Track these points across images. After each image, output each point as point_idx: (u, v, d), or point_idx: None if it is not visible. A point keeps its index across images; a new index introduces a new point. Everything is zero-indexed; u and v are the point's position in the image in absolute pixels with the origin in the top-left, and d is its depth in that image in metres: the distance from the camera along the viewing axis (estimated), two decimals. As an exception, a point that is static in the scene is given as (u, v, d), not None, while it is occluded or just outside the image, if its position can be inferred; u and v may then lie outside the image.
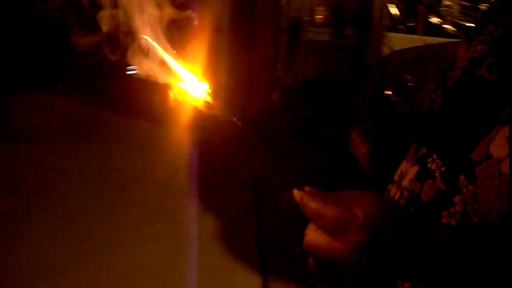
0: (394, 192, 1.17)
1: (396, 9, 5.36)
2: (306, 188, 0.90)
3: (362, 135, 3.82)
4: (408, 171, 1.15)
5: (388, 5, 5.18)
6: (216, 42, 4.93)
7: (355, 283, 0.83)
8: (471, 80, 1.05)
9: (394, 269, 0.83)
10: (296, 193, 0.88)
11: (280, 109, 5.41)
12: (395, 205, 0.88)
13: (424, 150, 1.10)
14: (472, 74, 1.05)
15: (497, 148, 0.93)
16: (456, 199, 0.98)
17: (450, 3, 5.49)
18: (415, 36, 5.42)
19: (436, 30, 5.54)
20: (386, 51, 5.03)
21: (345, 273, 0.82)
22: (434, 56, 4.67)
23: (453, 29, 5.53)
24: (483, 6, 5.43)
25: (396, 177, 1.21)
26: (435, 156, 1.06)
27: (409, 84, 3.77)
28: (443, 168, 1.02)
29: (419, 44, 5.11)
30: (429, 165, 1.06)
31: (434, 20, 5.54)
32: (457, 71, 1.12)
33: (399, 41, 5.29)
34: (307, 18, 5.22)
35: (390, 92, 3.71)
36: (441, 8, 5.57)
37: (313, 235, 0.82)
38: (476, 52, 1.09)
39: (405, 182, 1.14)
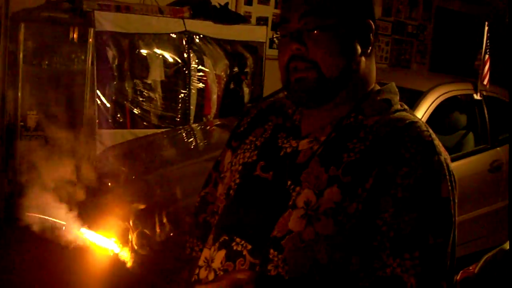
0: (205, 274, 1.45)
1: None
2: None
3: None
4: (215, 256, 1.43)
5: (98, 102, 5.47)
6: None
7: None
8: (251, 180, 1.43)
9: None
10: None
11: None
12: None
13: (225, 237, 1.42)
14: (250, 175, 1.44)
15: (295, 224, 1.33)
16: (270, 266, 1.33)
17: (153, 96, 6.00)
18: (124, 130, 5.84)
19: (141, 121, 6.01)
20: (100, 148, 5.36)
21: None
22: (144, 147, 5.20)
23: (156, 120, 6.11)
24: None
25: (201, 263, 1.49)
26: (238, 240, 1.39)
27: (128, 176, 4.20)
28: (249, 247, 1.36)
29: (130, 137, 5.59)
30: (234, 248, 1.38)
31: (137, 112, 6.00)
32: (234, 174, 1.48)
33: (110, 136, 5.65)
34: (21, 124, 5.29)
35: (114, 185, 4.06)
36: (142, 100, 6.02)
37: None
38: (247, 158, 1.48)
39: (216, 264, 1.42)
